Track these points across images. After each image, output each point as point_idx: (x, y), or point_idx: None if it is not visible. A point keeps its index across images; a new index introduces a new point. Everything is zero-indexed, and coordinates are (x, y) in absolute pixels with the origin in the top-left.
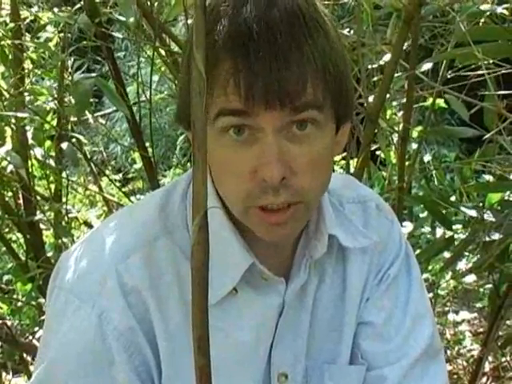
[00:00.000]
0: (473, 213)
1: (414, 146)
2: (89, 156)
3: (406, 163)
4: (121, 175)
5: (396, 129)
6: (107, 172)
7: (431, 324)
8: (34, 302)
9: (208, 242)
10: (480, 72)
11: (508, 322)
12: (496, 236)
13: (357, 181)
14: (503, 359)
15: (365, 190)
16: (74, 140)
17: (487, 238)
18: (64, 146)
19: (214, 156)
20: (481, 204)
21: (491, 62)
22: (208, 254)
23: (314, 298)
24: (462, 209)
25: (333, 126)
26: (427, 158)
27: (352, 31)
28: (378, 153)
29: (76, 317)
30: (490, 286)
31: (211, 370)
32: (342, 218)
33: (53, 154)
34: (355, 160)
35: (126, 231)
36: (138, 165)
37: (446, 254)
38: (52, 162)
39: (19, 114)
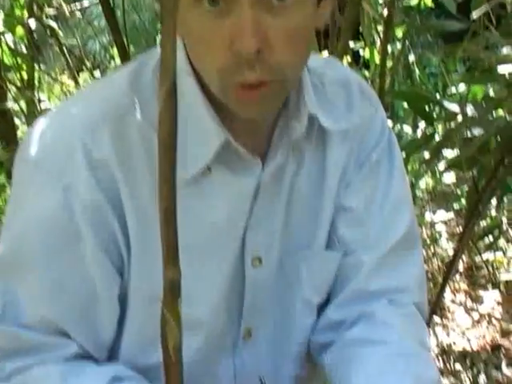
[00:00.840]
0: (455, 107)
1: (399, 46)
2: (66, 51)
3: (390, 64)
4: (99, 72)
5: (380, 14)
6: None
7: (411, 212)
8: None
9: (176, 110)
10: None
11: (483, 223)
12: (477, 132)
13: (340, 62)
14: (477, 259)
15: (349, 72)
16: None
17: (469, 134)
18: (33, 25)
19: (188, 25)
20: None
21: None
22: (176, 123)
23: (290, 183)
24: (445, 103)
25: None
26: (411, 58)
27: None
28: (361, 54)
29: (42, 190)
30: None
31: (182, 247)
32: (323, 100)
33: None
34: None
35: (94, 103)
36: (117, 61)
37: (427, 156)
38: (24, 50)
39: None
